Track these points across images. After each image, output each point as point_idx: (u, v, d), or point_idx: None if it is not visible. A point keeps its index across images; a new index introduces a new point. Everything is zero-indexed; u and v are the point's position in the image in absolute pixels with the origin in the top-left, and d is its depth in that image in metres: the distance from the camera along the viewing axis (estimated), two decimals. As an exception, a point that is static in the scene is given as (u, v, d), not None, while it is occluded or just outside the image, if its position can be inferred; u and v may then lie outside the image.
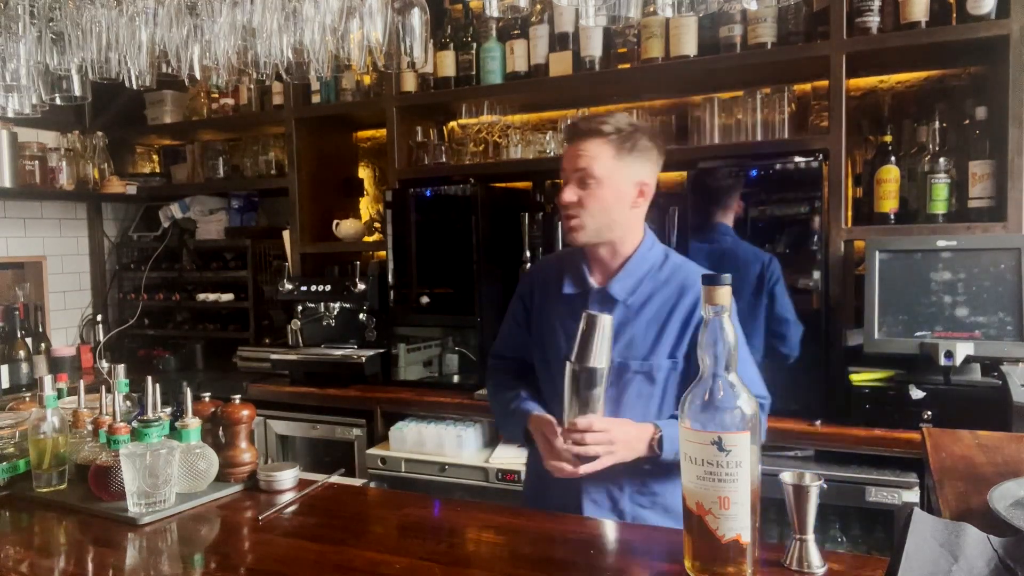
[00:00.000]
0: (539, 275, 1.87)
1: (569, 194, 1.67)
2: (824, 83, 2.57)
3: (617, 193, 1.66)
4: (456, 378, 2.99)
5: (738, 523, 1.03)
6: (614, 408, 1.63)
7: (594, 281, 1.72)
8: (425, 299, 2.93)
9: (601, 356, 1.48)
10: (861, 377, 2.26)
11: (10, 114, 2.14)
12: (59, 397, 1.64)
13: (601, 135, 1.66)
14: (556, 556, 1.25)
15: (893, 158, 2.44)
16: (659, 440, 1.56)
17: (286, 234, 3.42)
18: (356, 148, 3.74)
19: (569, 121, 1.78)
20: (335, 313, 3.17)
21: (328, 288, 3.11)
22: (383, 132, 3.29)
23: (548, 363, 1.75)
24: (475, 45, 2.99)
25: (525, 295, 1.87)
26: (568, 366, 1.51)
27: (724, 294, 1.07)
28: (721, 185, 2.45)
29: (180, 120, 3.74)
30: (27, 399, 2.19)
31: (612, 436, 1.52)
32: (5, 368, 3.14)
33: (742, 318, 1.69)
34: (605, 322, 1.50)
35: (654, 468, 1.62)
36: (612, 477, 1.61)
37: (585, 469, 1.53)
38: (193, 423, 1.54)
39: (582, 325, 1.51)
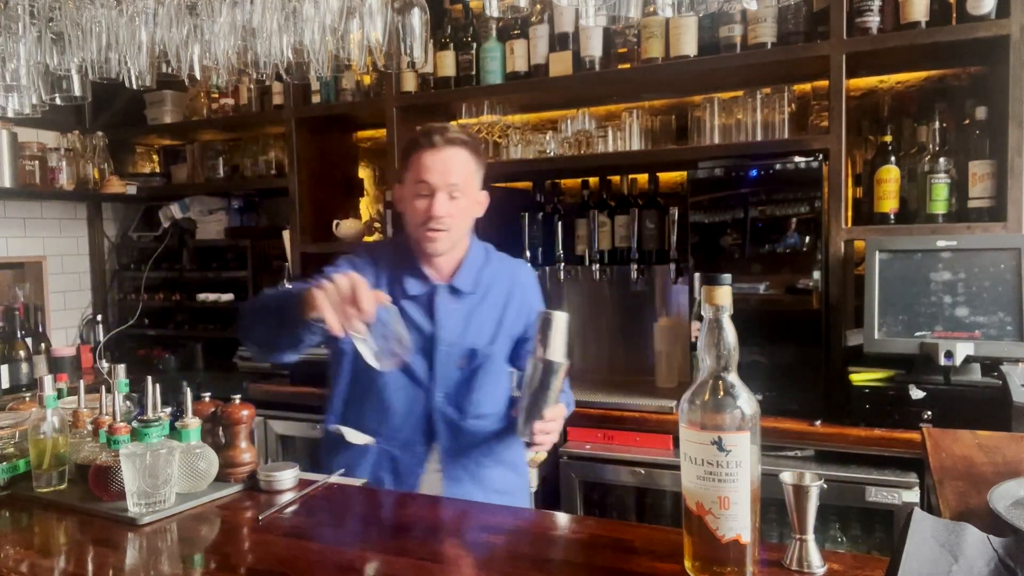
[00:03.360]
0: (372, 265, 1.80)
1: (442, 206, 1.70)
2: (824, 83, 2.57)
3: (474, 203, 1.79)
4: (456, 378, 2.99)
5: (738, 523, 1.03)
6: (471, 391, 1.76)
7: (437, 278, 1.80)
8: (425, 299, 2.93)
9: (559, 351, 1.53)
10: (861, 377, 2.26)
11: (10, 114, 2.14)
12: (59, 397, 1.64)
13: (465, 144, 1.73)
14: (556, 556, 1.25)
15: (893, 158, 2.44)
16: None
17: (286, 234, 3.42)
18: (356, 148, 3.74)
19: (419, 129, 1.77)
20: (335, 313, 3.16)
21: (328, 288, 3.10)
22: (383, 132, 3.28)
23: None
24: (475, 45, 2.99)
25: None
26: (531, 361, 1.55)
27: (724, 294, 1.07)
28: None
29: (180, 120, 3.74)
30: (27, 399, 2.19)
31: (560, 422, 1.65)
32: (5, 368, 3.14)
33: None
34: (560, 319, 1.54)
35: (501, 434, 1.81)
36: (466, 452, 1.78)
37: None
38: (193, 423, 1.54)
39: (539, 323, 1.55)
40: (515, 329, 1.84)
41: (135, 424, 1.48)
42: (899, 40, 2.35)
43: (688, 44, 2.60)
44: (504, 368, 1.85)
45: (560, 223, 2.85)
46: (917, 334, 2.20)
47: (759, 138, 2.61)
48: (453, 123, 1.77)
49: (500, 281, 1.85)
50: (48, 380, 1.58)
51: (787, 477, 1.10)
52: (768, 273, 2.40)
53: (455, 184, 1.71)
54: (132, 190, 3.74)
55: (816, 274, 2.35)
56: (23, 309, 3.32)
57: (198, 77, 1.95)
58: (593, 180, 2.99)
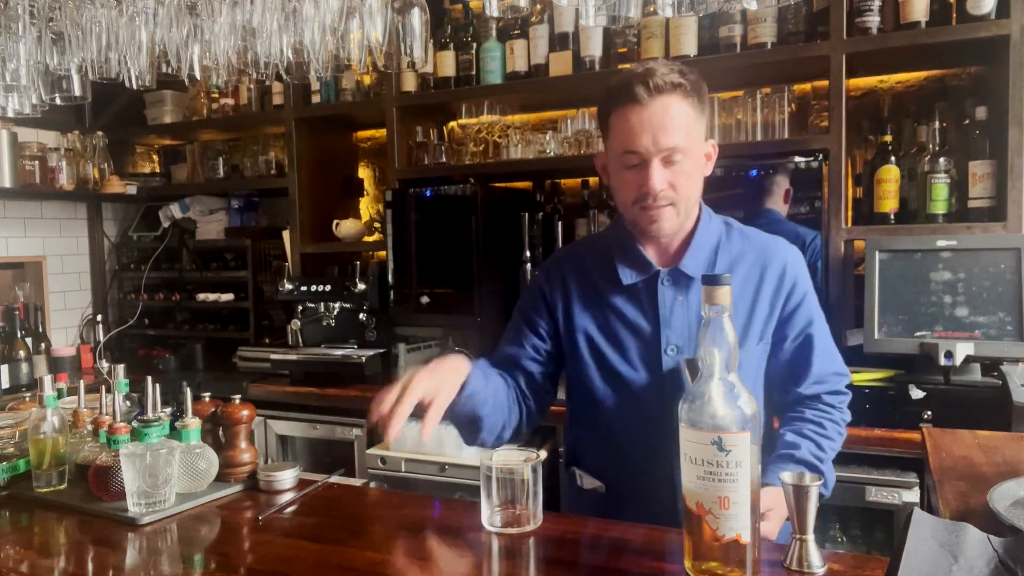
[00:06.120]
0: (568, 267, 1.51)
1: (660, 178, 1.32)
2: (824, 83, 2.57)
3: (699, 163, 1.38)
4: (456, 378, 2.99)
5: (738, 523, 1.03)
6: None
7: (658, 262, 1.44)
8: (425, 299, 2.93)
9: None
10: (861, 377, 2.26)
11: (10, 114, 2.14)
12: (59, 397, 1.64)
13: (679, 89, 1.31)
14: (556, 556, 1.25)
15: (893, 158, 2.44)
16: None
17: (286, 234, 3.42)
18: (356, 148, 3.74)
19: (629, 70, 1.35)
20: (335, 313, 3.17)
21: (328, 288, 3.11)
22: (383, 132, 3.29)
23: (605, 368, 1.45)
24: (475, 45, 2.99)
25: (548, 292, 1.51)
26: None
27: (724, 294, 1.07)
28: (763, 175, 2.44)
29: (180, 120, 3.74)
30: (27, 399, 2.19)
31: None
32: (5, 368, 3.14)
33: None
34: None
35: None
36: None
37: None
38: (193, 423, 1.54)
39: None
40: (767, 329, 1.43)
41: (135, 424, 1.48)
42: (899, 40, 2.35)
43: (688, 44, 2.60)
44: (757, 377, 1.46)
45: (560, 223, 2.85)
46: (917, 334, 2.20)
47: (759, 138, 2.61)
48: (659, 59, 1.42)
49: (745, 265, 1.43)
50: (48, 380, 1.58)
51: (787, 477, 1.10)
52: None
53: (673, 147, 1.31)
54: (132, 190, 3.74)
55: (816, 274, 2.35)
56: (23, 309, 3.31)
57: (198, 77, 1.95)
58: (593, 180, 2.99)
